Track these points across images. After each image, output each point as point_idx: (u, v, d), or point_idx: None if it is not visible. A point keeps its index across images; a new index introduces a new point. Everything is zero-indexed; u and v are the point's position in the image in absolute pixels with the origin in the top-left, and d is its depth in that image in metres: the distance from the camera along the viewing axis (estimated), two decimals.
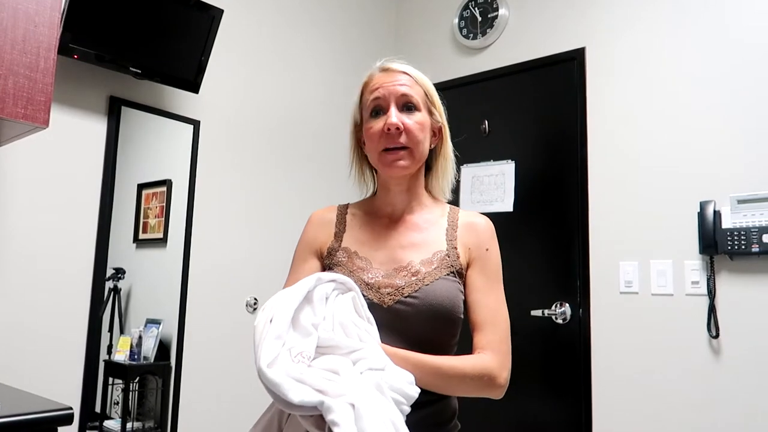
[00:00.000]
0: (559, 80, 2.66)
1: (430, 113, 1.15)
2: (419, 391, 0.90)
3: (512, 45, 2.82)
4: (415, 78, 1.14)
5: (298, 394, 0.80)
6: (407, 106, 1.11)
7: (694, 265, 2.20)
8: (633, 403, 2.28)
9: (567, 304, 2.50)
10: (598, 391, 2.37)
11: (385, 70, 1.15)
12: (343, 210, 1.21)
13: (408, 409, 0.89)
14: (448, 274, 1.07)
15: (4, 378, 1.68)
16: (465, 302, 1.09)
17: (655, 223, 2.31)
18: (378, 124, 1.10)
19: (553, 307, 2.52)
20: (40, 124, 1.49)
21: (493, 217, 1.22)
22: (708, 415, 2.10)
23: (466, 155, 2.81)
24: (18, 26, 1.46)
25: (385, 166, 1.11)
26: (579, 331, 2.45)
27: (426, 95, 1.14)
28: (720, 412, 2.08)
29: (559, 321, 2.50)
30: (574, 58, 2.61)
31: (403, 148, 1.09)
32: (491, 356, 1.02)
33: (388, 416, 0.82)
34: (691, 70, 2.29)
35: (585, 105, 2.55)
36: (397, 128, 1.08)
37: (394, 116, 1.08)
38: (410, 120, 1.10)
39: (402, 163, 1.09)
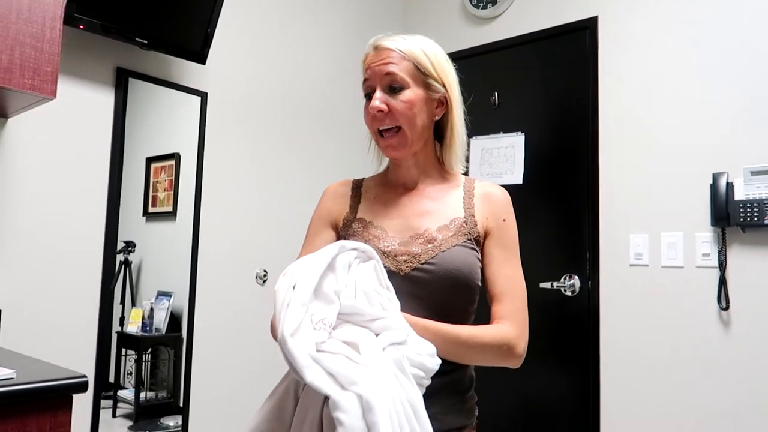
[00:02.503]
0: (571, 50, 2.61)
1: (427, 86, 1.09)
2: (439, 363, 0.90)
3: (523, 14, 2.77)
4: (404, 52, 1.08)
5: (310, 374, 0.78)
6: (392, 86, 1.08)
7: (705, 237, 2.19)
8: (641, 374, 2.29)
9: (576, 277, 2.50)
10: (606, 362, 2.38)
11: (375, 48, 1.12)
12: (358, 183, 1.21)
13: (428, 382, 0.89)
14: (465, 241, 1.07)
15: (20, 348, 1.71)
16: (482, 273, 1.08)
17: (667, 195, 2.29)
18: (367, 107, 1.10)
19: (563, 279, 2.52)
20: (47, 95, 1.49)
21: None
22: (717, 387, 2.11)
23: (475, 127, 2.77)
24: None
25: (381, 149, 1.13)
26: (588, 303, 2.45)
27: (417, 68, 1.08)
28: (729, 384, 2.09)
29: (568, 293, 2.50)
30: (586, 27, 2.56)
31: (395, 128, 1.08)
32: (510, 326, 1.02)
33: (407, 398, 0.81)
34: (706, 40, 2.24)
35: (597, 76, 2.51)
36: (380, 111, 1.07)
37: (377, 99, 1.07)
38: (395, 100, 1.07)
39: (395, 148, 1.09)
